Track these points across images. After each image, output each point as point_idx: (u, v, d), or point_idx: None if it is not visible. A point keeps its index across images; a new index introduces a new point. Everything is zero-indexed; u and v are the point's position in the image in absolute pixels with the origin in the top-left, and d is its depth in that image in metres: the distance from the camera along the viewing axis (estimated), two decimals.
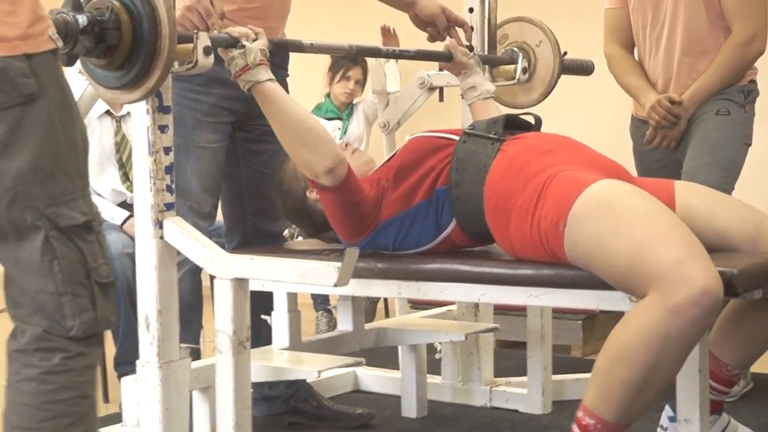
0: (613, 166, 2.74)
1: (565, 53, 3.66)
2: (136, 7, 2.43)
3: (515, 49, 3.60)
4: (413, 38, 3.72)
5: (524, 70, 3.50)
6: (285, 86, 3.41)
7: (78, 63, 2.51)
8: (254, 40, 2.72)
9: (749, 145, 3.88)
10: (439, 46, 3.39)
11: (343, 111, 5.88)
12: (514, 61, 3.57)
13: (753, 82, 3.93)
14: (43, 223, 1.98)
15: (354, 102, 5.96)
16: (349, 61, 5.75)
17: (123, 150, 4.32)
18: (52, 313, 2.01)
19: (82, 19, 2.39)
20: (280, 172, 3.11)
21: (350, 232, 2.86)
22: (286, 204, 3.11)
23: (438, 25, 3.41)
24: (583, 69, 3.84)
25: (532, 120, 2.99)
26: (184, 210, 2.95)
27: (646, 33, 3.94)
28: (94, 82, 2.59)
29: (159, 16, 2.41)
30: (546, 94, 3.66)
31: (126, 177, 4.31)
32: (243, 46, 2.69)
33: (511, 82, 3.56)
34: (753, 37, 3.77)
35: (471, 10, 3.55)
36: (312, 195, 3.00)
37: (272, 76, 2.73)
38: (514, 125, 2.92)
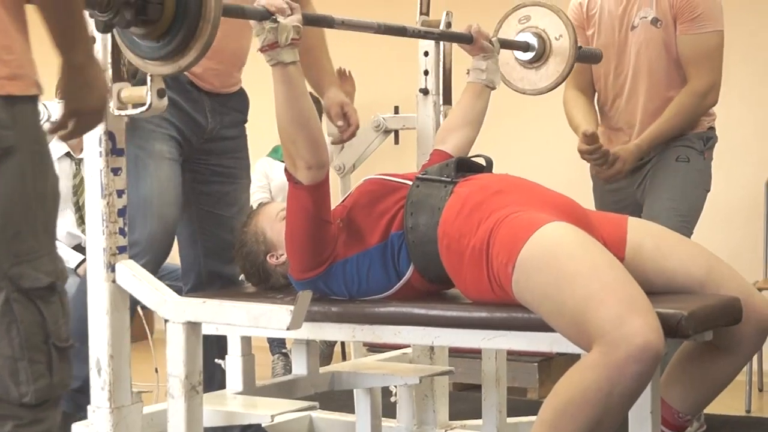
0: (565, 204, 2.75)
1: (581, 47, 3.65)
2: None
3: (532, 34, 3.56)
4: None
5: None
6: (244, 134, 3.42)
7: None
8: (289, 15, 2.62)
9: (708, 191, 3.94)
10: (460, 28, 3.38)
11: None
12: (529, 48, 3.54)
13: (712, 128, 3.99)
14: (5, 285, 1.89)
15: None
16: None
17: (81, 193, 4.30)
18: (5, 379, 1.93)
19: None
20: (240, 234, 3.08)
21: (306, 261, 2.83)
22: (246, 266, 3.09)
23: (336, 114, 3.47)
24: (593, 57, 3.82)
25: (483, 162, 3.01)
26: (147, 219, 2.94)
27: (609, 80, 3.98)
28: (124, 45, 2.49)
29: None
30: (552, 89, 3.62)
31: (82, 220, 4.30)
32: (276, 21, 2.59)
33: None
34: (711, 87, 3.83)
35: (426, 53, 3.56)
36: (272, 260, 3.00)
37: (298, 59, 2.66)
38: (465, 168, 2.94)
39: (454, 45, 3.57)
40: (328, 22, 2.90)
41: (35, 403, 1.94)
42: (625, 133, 3.96)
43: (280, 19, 2.60)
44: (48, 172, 1.97)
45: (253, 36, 2.65)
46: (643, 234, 2.78)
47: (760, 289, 4.05)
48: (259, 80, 6.63)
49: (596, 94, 4.08)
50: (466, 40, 3.32)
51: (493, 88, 3.36)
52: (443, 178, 2.84)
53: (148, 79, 2.56)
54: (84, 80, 1.97)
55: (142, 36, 2.40)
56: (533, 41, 3.55)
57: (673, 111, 3.84)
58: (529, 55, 3.55)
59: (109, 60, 2.58)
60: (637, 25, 3.88)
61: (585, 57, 3.74)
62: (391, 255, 2.81)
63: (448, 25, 3.51)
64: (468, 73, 3.39)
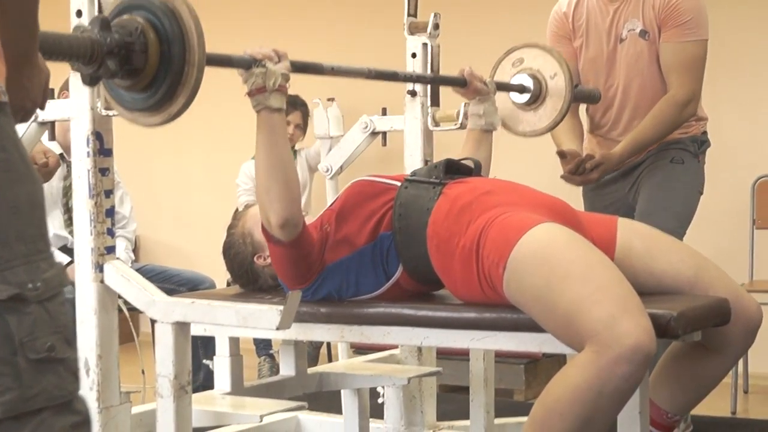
0: (556, 204, 2.76)
1: (577, 85, 3.66)
2: (165, 29, 2.27)
3: (527, 75, 3.55)
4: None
5: (466, 115, 3.50)
6: None
7: None
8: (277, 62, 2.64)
9: (701, 193, 3.96)
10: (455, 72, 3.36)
11: None
12: (525, 90, 3.51)
13: (705, 133, 4.01)
14: None
15: (296, 148, 5.97)
16: (288, 104, 5.78)
17: (71, 195, 4.30)
18: None
19: (109, 40, 2.26)
20: (227, 236, 3.09)
21: (296, 282, 2.84)
22: (234, 267, 3.09)
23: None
24: (591, 97, 3.83)
25: (471, 164, 3.01)
26: None
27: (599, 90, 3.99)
28: (113, 100, 2.46)
29: (189, 41, 2.26)
30: (552, 128, 3.59)
31: (70, 221, 4.27)
32: (264, 66, 2.59)
33: (453, 127, 3.56)
34: (692, 97, 3.83)
35: (414, 55, 3.57)
36: (259, 261, 2.99)
37: (284, 106, 2.66)
38: (454, 170, 2.94)
39: (442, 47, 3.58)
40: (318, 69, 2.90)
41: (2, 417, 1.88)
42: (617, 143, 3.97)
43: (269, 65, 2.60)
44: (20, 179, 1.85)
45: (243, 81, 2.63)
46: (633, 235, 2.79)
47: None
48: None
49: (586, 105, 4.08)
50: (459, 83, 3.29)
51: (494, 130, 3.33)
52: (432, 180, 2.84)
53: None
54: (18, 77, 1.93)
55: (128, 87, 2.36)
56: (529, 83, 3.53)
57: (652, 120, 3.84)
58: (526, 97, 3.53)
59: None
60: (625, 38, 3.88)
61: (582, 96, 3.77)
62: (380, 255, 2.81)
63: (436, 26, 3.52)
64: (465, 117, 3.38)
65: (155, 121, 2.38)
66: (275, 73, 2.60)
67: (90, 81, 2.33)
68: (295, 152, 5.99)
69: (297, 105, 5.88)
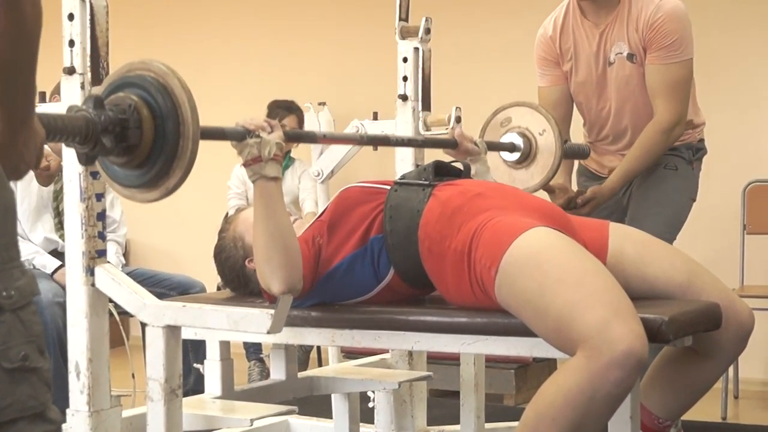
0: (547, 208, 2.76)
1: (566, 141, 3.67)
2: (158, 105, 2.30)
3: (516, 134, 3.57)
4: None
5: (458, 119, 3.51)
6: None
7: None
8: (270, 132, 2.65)
9: (694, 200, 3.97)
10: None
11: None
12: (515, 148, 3.53)
13: (701, 140, 4.02)
14: None
15: (291, 155, 5.97)
16: (283, 109, 5.78)
17: (61, 199, 4.29)
18: None
19: (104, 118, 2.27)
20: (219, 240, 3.08)
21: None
22: (225, 271, 3.08)
23: None
24: (580, 153, 3.87)
25: (461, 167, 3.01)
26: None
27: (591, 113, 4.03)
28: (109, 178, 2.47)
29: (182, 115, 2.29)
30: (545, 183, 3.61)
31: (61, 225, 4.28)
32: (258, 136, 2.62)
33: (444, 131, 3.56)
34: (678, 121, 3.83)
35: (405, 59, 3.57)
36: (251, 265, 2.98)
37: (280, 174, 2.67)
38: (443, 172, 2.94)
39: (434, 51, 3.59)
40: (311, 137, 2.92)
41: None
42: (614, 155, 4.00)
43: (263, 134, 2.62)
44: None
45: (237, 153, 2.66)
46: (625, 240, 2.79)
47: None
48: (242, 83, 6.64)
49: (583, 120, 4.10)
50: (450, 145, 3.29)
51: None
52: (421, 182, 2.84)
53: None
54: (15, 142, 1.92)
55: (124, 164, 2.37)
56: (518, 141, 3.55)
57: (640, 149, 3.85)
58: (516, 155, 3.55)
59: (88, 64, 2.57)
60: (613, 62, 3.87)
61: (572, 153, 3.79)
62: (371, 259, 2.81)
63: (427, 31, 3.52)
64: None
65: (153, 197, 2.41)
66: (270, 143, 2.62)
67: (86, 160, 2.35)
68: (290, 159, 5.99)
69: (292, 110, 5.90)
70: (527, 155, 3.55)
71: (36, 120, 1.90)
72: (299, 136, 2.85)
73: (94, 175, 2.62)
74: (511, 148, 3.55)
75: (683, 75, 3.82)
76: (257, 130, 2.62)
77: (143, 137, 2.30)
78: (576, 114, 4.12)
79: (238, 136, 2.61)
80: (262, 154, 2.61)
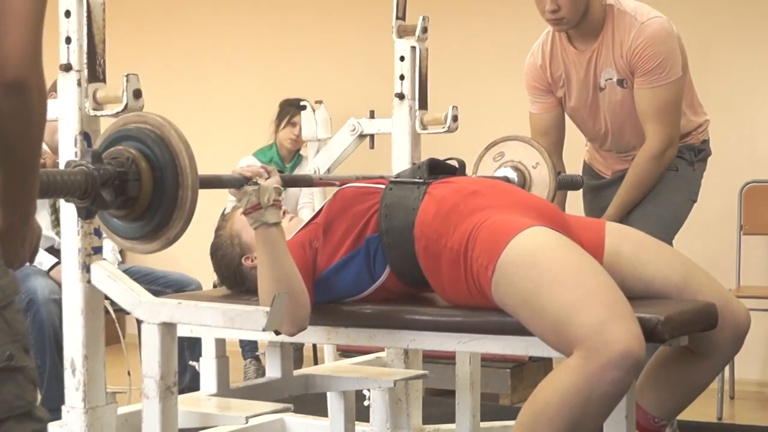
0: (543, 207, 2.76)
1: (560, 173, 3.67)
2: (156, 156, 2.33)
3: (510, 168, 3.56)
4: None
5: (455, 118, 3.51)
6: None
7: None
8: (266, 178, 2.67)
9: (694, 201, 3.97)
10: None
11: (289, 162, 5.89)
12: (510, 181, 3.51)
13: (705, 141, 4.01)
14: None
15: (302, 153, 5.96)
16: (295, 107, 5.78)
17: None
18: None
19: (102, 172, 2.28)
20: (215, 238, 3.08)
21: None
22: (222, 269, 3.08)
23: None
24: (574, 185, 3.87)
25: (455, 164, 3.01)
26: None
27: (590, 134, 4.04)
28: (110, 231, 2.48)
29: (180, 165, 2.32)
30: None
31: (57, 222, 4.27)
32: (257, 184, 2.63)
33: (440, 130, 3.56)
34: (669, 143, 3.82)
35: (402, 58, 3.57)
36: (247, 262, 2.99)
37: (280, 219, 2.68)
38: (438, 170, 2.94)
39: (430, 49, 3.58)
40: (307, 181, 2.94)
41: None
42: (620, 160, 4.02)
43: (260, 181, 2.63)
44: None
45: (237, 201, 2.68)
46: (621, 239, 2.79)
47: None
48: (239, 81, 6.63)
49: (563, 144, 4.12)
50: None
51: None
52: (416, 180, 2.84)
53: (124, 79, 2.55)
54: (13, 239, 1.91)
55: (124, 217, 2.39)
56: (512, 175, 3.56)
57: (634, 179, 3.85)
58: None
59: (85, 61, 2.57)
60: (604, 87, 3.86)
61: (566, 184, 3.79)
62: (366, 258, 2.81)
63: (424, 30, 3.52)
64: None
65: (154, 248, 2.43)
66: (268, 189, 2.63)
67: (86, 214, 2.36)
68: (299, 157, 5.98)
69: (301, 107, 5.90)
70: (522, 189, 3.55)
71: (35, 218, 1.91)
72: (296, 180, 2.89)
73: None
74: (506, 181, 3.54)
75: (671, 97, 3.79)
76: (254, 177, 2.64)
77: (142, 189, 2.34)
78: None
79: (236, 183, 2.64)
80: (261, 200, 2.62)
